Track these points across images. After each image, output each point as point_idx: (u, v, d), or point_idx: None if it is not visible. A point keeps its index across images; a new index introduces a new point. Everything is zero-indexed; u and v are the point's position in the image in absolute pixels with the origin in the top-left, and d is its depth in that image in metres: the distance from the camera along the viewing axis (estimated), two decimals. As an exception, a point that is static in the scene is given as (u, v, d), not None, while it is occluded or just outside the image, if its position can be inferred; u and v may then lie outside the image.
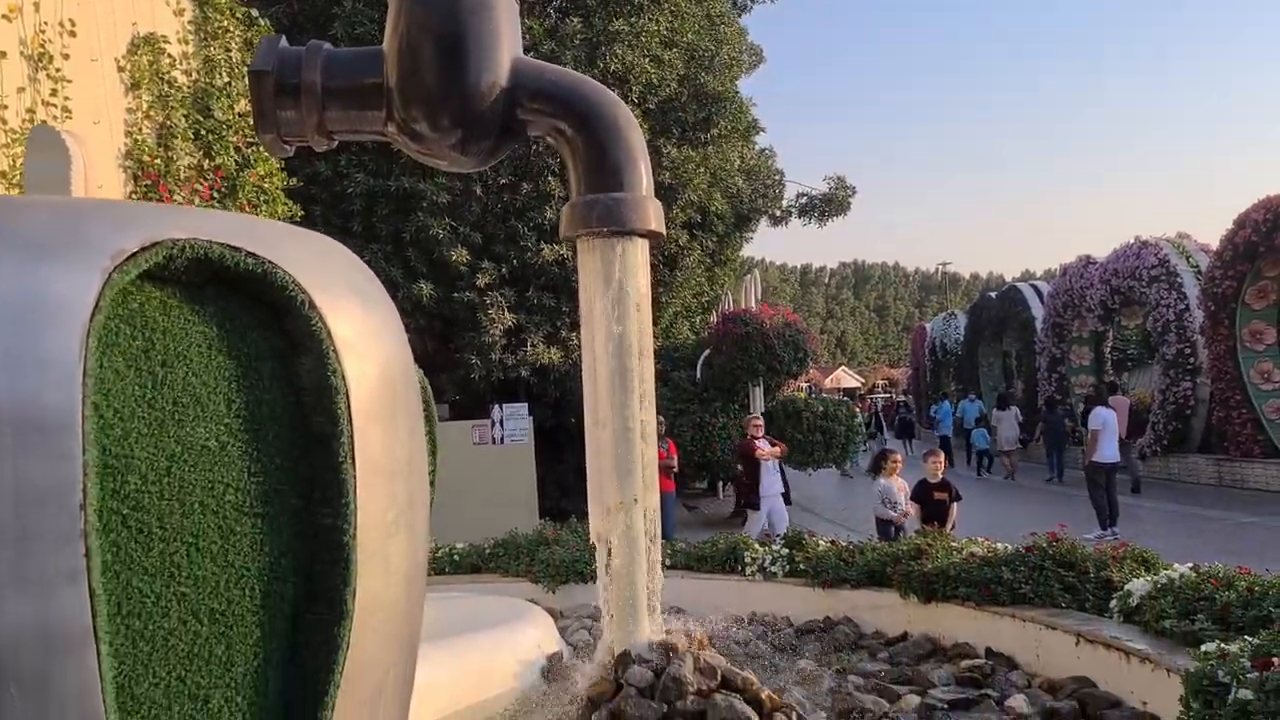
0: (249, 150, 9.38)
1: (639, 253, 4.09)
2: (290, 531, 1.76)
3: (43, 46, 6.82)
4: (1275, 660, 3.18)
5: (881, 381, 62.90)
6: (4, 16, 6.46)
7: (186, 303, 1.73)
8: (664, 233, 4.20)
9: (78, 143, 2.56)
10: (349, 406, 1.80)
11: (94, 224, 1.62)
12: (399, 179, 12.49)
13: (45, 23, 6.88)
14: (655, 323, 16.20)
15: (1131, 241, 20.49)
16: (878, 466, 10.17)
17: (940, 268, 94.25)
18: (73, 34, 7.10)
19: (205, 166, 8.75)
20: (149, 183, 8.00)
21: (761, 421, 11.79)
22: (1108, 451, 12.93)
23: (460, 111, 4.01)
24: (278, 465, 1.75)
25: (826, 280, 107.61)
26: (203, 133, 8.74)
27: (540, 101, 4.05)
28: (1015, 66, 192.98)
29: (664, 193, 14.36)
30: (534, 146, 13.49)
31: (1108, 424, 13.06)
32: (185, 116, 8.49)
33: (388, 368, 1.93)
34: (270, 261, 1.77)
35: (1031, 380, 26.12)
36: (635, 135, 4.09)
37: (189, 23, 8.88)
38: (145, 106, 8.10)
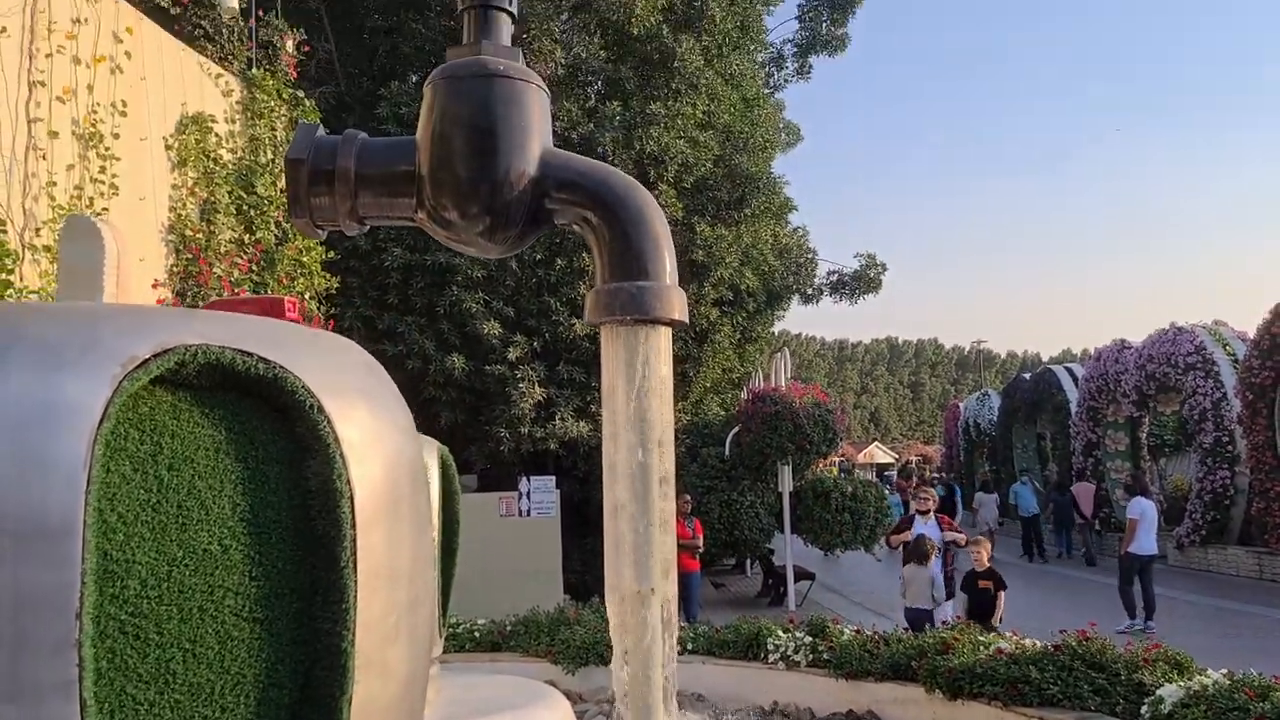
0: (288, 224, 9.59)
1: (662, 341, 4.09)
2: (288, 636, 1.75)
3: (94, 126, 7.04)
4: (1309, 782, 3.06)
5: (915, 458, 62.16)
6: (58, 99, 6.70)
7: (197, 406, 1.75)
8: (688, 321, 4.21)
9: (113, 232, 2.62)
10: (353, 510, 1.81)
11: (107, 330, 1.66)
12: (435, 254, 12.70)
13: (98, 104, 7.12)
14: (684, 398, 16.19)
15: (1167, 328, 20.28)
16: (921, 553, 9.42)
17: (975, 345, 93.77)
18: (124, 114, 7.34)
19: (245, 241, 8.94)
20: (190, 256, 8.18)
21: (931, 495, 10.44)
22: (1145, 543, 12.62)
23: (489, 200, 4.05)
24: (279, 569, 1.76)
25: (861, 356, 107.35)
26: (244, 208, 8.95)
27: (568, 191, 4.09)
28: (1052, 142, 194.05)
29: (696, 270, 14.44)
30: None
31: (1146, 514, 12.78)
32: (229, 192, 8.70)
33: (393, 469, 1.94)
34: (281, 366, 1.80)
35: (1066, 463, 25.69)
36: (661, 225, 4.11)
37: (236, 103, 9.16)
38: (190, 183, 8.32)
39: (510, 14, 4.57)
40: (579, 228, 4.32)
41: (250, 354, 1.75)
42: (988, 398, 35.81)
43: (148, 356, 1.64)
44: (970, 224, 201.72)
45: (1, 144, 6.12)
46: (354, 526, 1.80)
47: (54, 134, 6.62)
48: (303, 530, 1.80)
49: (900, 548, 9.92)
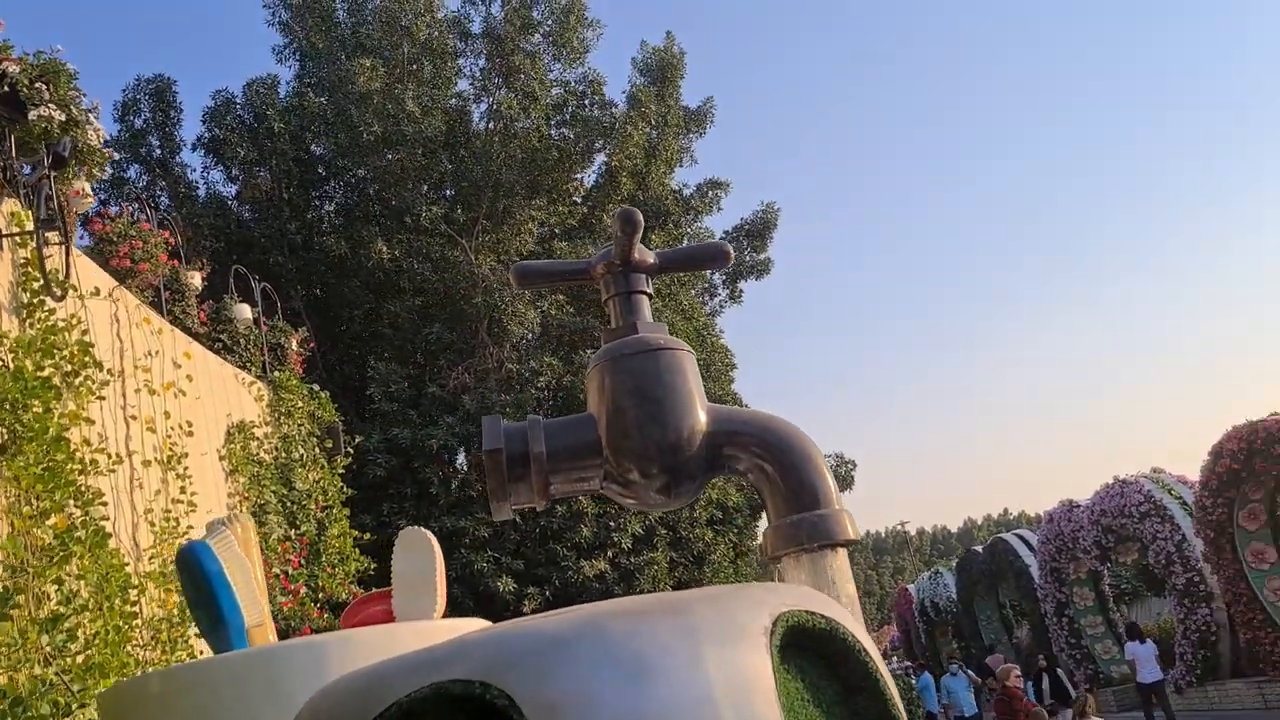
0: (323, 515, 9.79)
1: (843, 560, 4.51)
2: None
3: (171, 449, 7.32)
4: None
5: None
6: (148, 429, 7.01)
7: (782, 665, 2.14)
8: (860, 538, 4.67)
9: (433, 539, 2.99)
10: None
11: (738, 609, 2.06)
12: (440, 519, 12.89)
13: (172, 428, 7.43)
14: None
15: (1111, 482, 21.38)
16: None
17: (899, 526, 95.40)
18: (190, 434, 7.65)
19: (291, 536, 9.09)
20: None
21: (1018, 671, 11.85)
22: (1143, 673, 13.26)
23: (670, 460, 4.46)
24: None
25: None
26: (288, 504, 9.16)
27: (739, 439, 4.56)
28: (969, 316, 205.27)
29: (682, 495, 14.87)
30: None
31: (1136, 654, 13.41)
32: (274, 492, 8.93)
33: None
34: (835, 620, 2.22)
35: (1041, 628, 26.06)
36: (821, 457, 4.58)
37: (266, 406, 9.54)
38: (243, 488, 8.55)
39: (649, 294, 5.24)
40: (751, 474, 4.84)
41: (814, 612, 2.15)
42: (940, 575, 36.38)
43: (770, 625, 2.03)
44: (863, 402, 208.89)
45: (117, 483, 6.35)
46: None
47: (147, 463, 6.88)
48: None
49: None
